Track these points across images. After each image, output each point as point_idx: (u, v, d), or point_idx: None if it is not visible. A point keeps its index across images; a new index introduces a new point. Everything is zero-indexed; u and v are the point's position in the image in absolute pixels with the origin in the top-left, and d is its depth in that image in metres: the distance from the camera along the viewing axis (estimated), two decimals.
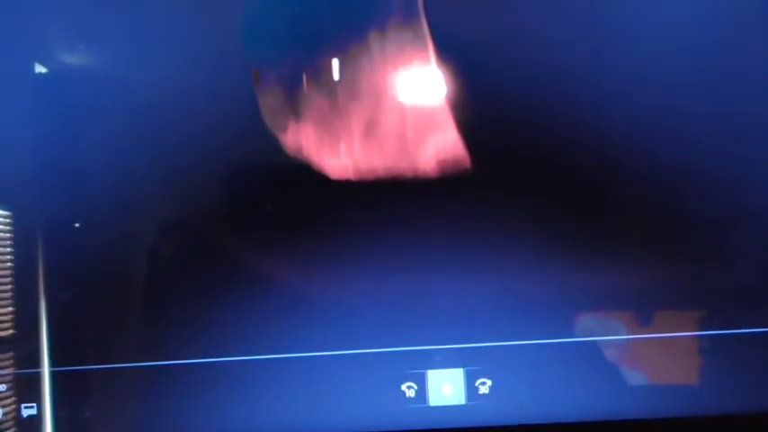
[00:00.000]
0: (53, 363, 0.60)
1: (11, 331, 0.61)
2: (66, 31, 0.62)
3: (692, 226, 0.61)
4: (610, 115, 0.61)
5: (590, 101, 0.61)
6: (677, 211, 0.61)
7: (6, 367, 0.61)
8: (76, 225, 0.61)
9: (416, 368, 0.59)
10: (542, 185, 0.61)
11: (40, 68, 0.61)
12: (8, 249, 0.61)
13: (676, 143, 0.61)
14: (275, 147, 0.61)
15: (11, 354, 0.61)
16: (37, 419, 0.60)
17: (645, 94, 0.61)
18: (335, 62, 0.61)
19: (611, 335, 0.61)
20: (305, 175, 0.60)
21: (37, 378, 0.60)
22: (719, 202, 0.61)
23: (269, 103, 0.60)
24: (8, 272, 0.61)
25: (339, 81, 0.61)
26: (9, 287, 0.61)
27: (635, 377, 0.61)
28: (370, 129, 0.61)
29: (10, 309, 0.61)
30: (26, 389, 0.60)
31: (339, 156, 0.60)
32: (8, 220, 0.61)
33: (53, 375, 0.60)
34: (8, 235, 0.61)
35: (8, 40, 0.61)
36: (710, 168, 0.61)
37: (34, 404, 0.60)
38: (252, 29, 0.62)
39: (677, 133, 0.61)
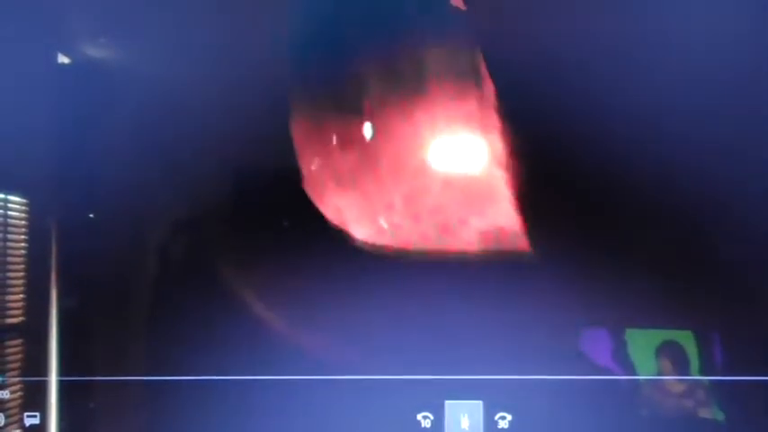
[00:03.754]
0: (61, 372, 0.59)
1: (19, 338, 0.60)
2: (88, 26, 0.61)
3: (729, 272, 0.60)
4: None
5: (656, 193, 0.60)
6: (710, 253, 0.60)
7: (12, 374, 0.59)
8: (90, 216, 0.60)
9: (434, 398, 0.57)
10: (573, 228, 0.60)
11: (62, 61, 0.61)
12: (22, 252, 0.60)
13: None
14: (299, 180, 0.59)
15: (18, 360, 0.60)
16: (39, 429, 0.58)
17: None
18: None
19: (635, 375, 0.60)
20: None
21: (42, 386, 0.59)
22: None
23: (301, 141, 0.59)
24: (20, 276, 0.60)
25: (380, 138, 0.59)
26: (20, 292, 0.60)
27: (659, 418, 0.60)
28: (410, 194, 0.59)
29: (20, 315, 0.60)
30: (30, 397, 0.59)
31: (373, 222, 0.59)
32: (23, 222, 0.61)
33: (60, 385, 0.59)
34: (22, 237, 0.60)
35: (30, 33, 0.61)
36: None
37: (37, 413, 0.58)
38: (294, 63, 0.60)
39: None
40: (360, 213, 0.59)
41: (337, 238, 0.60)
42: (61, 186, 0.60)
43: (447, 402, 0.57)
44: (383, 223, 0.59)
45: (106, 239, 0.60)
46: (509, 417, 0.57)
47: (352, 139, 0.59)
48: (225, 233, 0.61)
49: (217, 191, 0.61)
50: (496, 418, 0.57)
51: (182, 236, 0.61)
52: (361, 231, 0.59)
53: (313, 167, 0.59)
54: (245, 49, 0.60)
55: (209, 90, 0.60)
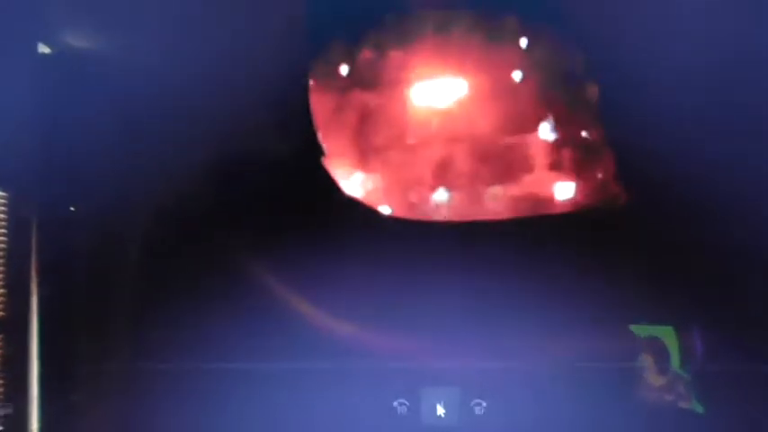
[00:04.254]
0: (42, 363, 0.58)
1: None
2: (72, 17, 0.61)
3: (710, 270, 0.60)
4: None
5: None
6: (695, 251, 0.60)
7: None
8: (72, 209, 0.60)
9: (410, 385, 0.57)
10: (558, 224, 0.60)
11: (42, 51, 0.60)
12: (1, 246, 0.60)
13: None
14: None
15: None
16: (14, 419, 0.58)
17: None
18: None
19: (610, 362, 0.60)
20: (324, 189, 0.59)
21: (22, 377, 0.58)
22: None
23: (322, 116, 0.58)
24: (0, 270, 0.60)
25: (408, 111, 0.58)
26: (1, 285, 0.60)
27: (631, 405, 0.60)
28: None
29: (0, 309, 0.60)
30: (7, 387, 0.58)
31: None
32: (2, 216, 0.60)
33: (42, 375, 0.58)
34: (2, 231, 0.60)
35: (14, 23, 0.60)
36: None
37: (11, 404, 0.58)
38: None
39: None
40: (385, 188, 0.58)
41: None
42: (42, 179, 0.60)
43: (423, 389, 0.57)
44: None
45: (87, 232, 0.60)
46: (484, 403, 0.57)
47: (376, 114, 0.59)
48: (211, 225, 0.60)
49: (205, 179, 0.60)
50: (472, 404, 0.57)
51: (165, 229, 0.61)
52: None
53: (335, 143, 0.58)
54: (256, 25, 0.60)
55: (204, 69, 0.60)
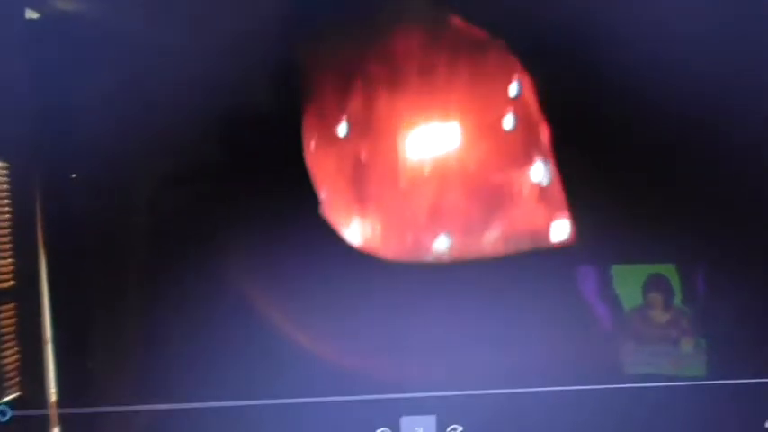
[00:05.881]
0: (55, 330, 0.61)
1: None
2: None
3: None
4: None
5: None
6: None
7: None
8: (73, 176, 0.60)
9: (389, 414, 0.60)
10: None
11: (33, 15, 0.57)
12: (6, 217, 0.60)
13: None
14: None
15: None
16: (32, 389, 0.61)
17: None
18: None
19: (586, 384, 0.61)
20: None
21: (36, 345, 0.61)
22: None
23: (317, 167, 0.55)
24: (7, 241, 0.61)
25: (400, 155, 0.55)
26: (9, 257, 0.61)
27: (611, 427, 0.62)
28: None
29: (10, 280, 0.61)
30: (23, 356, 0.61)
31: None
32: (5, 186, 0.60)
33: (56, 342, 0.61)
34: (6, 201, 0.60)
35: None
36: None
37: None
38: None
39: None
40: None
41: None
42: (41, 147, 0.59)
43: (403, 418, 0.60)
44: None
45: (92, 196, 0.60)
46: (460, 428, 0.60)
47: (368, 159, 0.57)
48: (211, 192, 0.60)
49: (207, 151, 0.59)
50: (448, 430, 0.60)
51: (171, 195, 0.60)
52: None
53: (330, 192, 0.57)
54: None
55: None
